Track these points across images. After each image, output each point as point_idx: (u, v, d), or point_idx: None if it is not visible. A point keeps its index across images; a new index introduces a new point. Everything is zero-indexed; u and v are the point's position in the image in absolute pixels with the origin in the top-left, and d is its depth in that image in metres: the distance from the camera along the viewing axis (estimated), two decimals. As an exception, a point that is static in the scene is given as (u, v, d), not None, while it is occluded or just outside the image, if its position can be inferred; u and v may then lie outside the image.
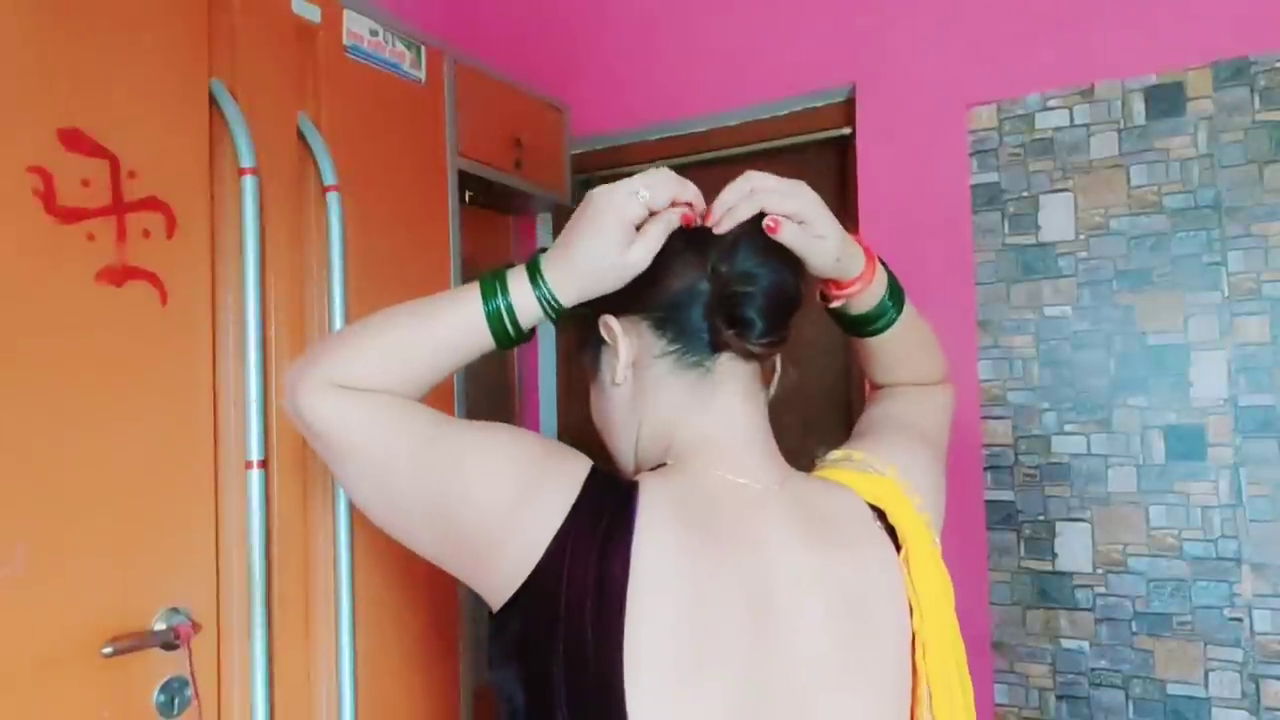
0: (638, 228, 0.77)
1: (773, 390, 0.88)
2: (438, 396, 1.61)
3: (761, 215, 0.79)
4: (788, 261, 0.81)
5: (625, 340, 0.82)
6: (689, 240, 0.80)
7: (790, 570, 0.76)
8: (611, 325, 0.83)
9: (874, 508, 0.84)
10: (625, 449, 0.86)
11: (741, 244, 0.79)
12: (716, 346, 0.80)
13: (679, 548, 0.72)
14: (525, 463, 0.74)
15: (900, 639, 0.80)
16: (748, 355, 0.81)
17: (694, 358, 0.81)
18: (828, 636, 0.75)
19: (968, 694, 0.82)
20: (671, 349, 0.81)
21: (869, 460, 0.88)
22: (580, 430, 2.36)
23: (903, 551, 0.81)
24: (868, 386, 1.09)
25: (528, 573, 0.70)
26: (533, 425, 2.41)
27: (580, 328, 0.88)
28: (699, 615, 0.70)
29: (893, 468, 0.87)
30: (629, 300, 0.81)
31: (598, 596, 0.68)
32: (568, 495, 0.72)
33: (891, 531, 0.83)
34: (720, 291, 0.79)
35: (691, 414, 0.81)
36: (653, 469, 0.81)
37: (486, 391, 2.23)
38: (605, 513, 0.72)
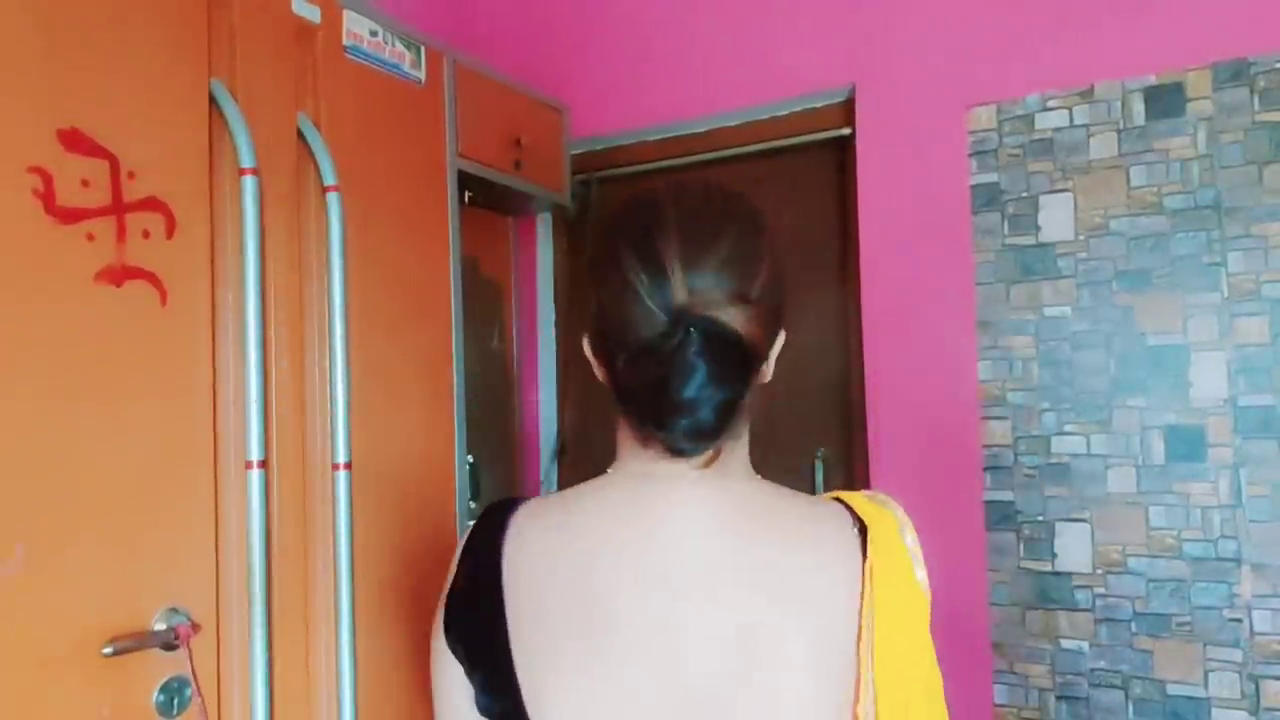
0: None
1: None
2: (438, 396, 1.62)
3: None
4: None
5: (597, 368, 0.85)
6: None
7: (694, 554, 0.76)
8: (586, 351, 0.85)
9: (857, 519, 0.82)
10: None
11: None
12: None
13: (542, 546, 0.78)
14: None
15: (847, 635, 0.78)
16: None
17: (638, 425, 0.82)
18: (728, 619, 0.75)
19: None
20: (621, 410, 0.82)
21: (885, 499, 0.87)
22: (580, 430, 2.37)
23: (868, 563, 0.79)
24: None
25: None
26: (532, 425, 2.41)
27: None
28: (566, 598, 0.75)
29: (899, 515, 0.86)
30: (594, 337, 0.83)
31: (479, 607, 0.78)
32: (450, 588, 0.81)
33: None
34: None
35: (636, 442, 0.81)
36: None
37: (486, 392, 2.23)
38: (482, 545, 0.80)
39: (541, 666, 0.74)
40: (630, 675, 0.73)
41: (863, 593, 0.79)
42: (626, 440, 0.81)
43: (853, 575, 0.79)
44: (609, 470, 0.82)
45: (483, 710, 0.77)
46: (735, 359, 0.73)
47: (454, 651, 0.79)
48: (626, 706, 0.73)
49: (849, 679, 0.77)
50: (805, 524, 0.81)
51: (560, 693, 0.74)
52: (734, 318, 0.73)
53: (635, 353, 0.74)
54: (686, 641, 0.74)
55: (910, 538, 0.84)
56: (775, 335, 0.80)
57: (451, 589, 0.80)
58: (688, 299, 0.73)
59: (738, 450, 0.81)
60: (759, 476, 0.84)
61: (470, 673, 0.78)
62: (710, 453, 0.76)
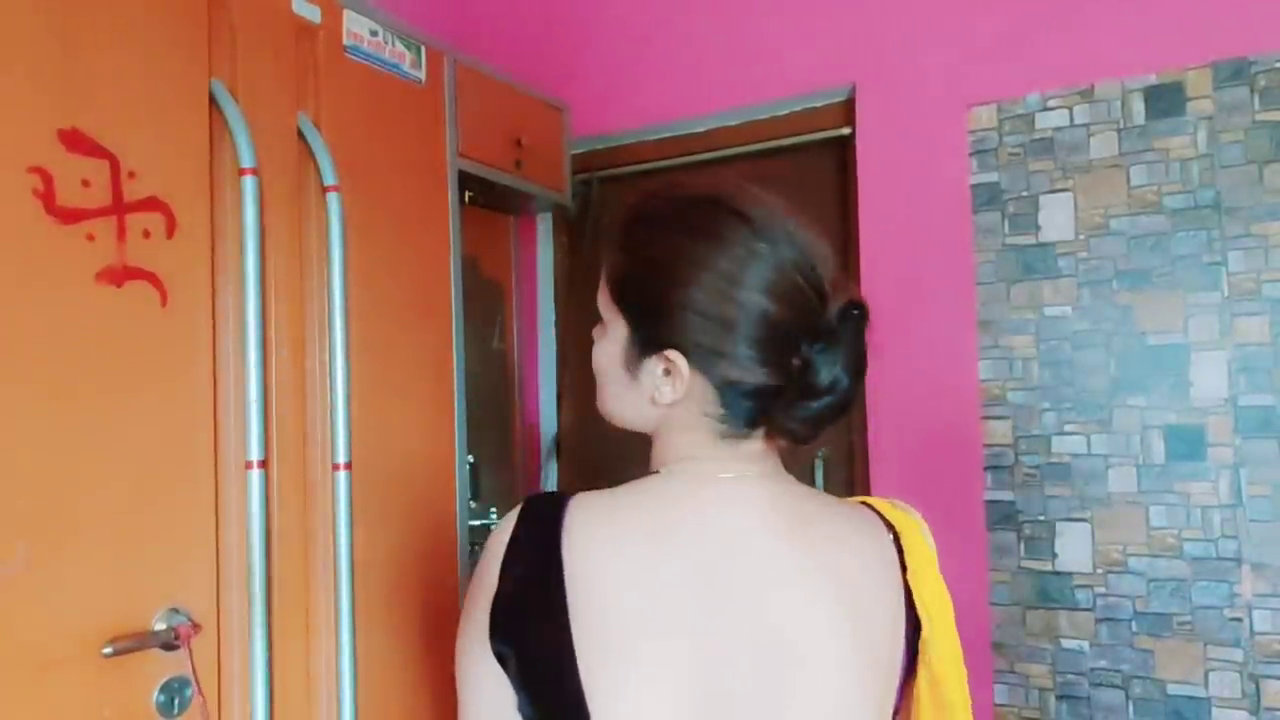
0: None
1: None
2: (438, 397, 1.62)
3: (860, 306, 0.78)
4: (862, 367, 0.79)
5: (680, 384, 0.78)
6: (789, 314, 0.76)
7: (756, 555, 0.76)
8: (679, 365, 0.77)
9: (889, 525, 0.85)
10: (615, 414, 0.86)
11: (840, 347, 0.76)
12: (758, 424, 0.79)
13: (609, 548, 0.75)
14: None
15: (889, 639, 0.80)
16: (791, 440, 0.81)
17: (731, 429, 0.79)
18: (801, 619, 0.76)
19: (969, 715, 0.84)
20: (720, 415, 0.78)
21: (907, 506, 0.90)
22: (579, 431, 2.37)
23: (909, 570, 0.82)
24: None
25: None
26: (532, 425, 2.41)
27: (638, 327, 0.81)
28: (636, 597, 0.74)
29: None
30: (704, 351, 0.76)
31: (542, 606, 0.74)
32: (491, 584, 0.76)
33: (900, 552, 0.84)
34: (799, 395, 0.76)
35: (700, 448, 0.80)
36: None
37: (487, 392, 2.23)
38: (533, 544, 0.76)
39: (609, 670, 0.71)
40: (697, 676, 0.72)
41: (906, 599, 0.81)
42: (687, 443, 0.79)
43: (895, 580, 0.81)
44: (661, 471, 0.80)
45: (527, 718, 0.74)
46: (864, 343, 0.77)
47: (500, 658, 0.74)
48: (690, 706, 0.72)
49: (891, 683, 0.80)
50: (853, 527, 0.83)
51: (628, 695, 0.71)
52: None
53: (777, 337, 0.74)
54: (745, 646, 0.74)
55: (931, 543, 0.86)
56: None
57: (500, 591, 0.75)
58: (832, 279, 0.77)
59: (778, 449, 0.83)
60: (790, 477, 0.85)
61: (520, 681, 0.73)
62: (775, 452, 0.80)
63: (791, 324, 0.75)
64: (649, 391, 0.79)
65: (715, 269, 0.75)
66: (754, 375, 0.74)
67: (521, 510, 0.78)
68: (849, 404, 0.76)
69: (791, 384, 0.74)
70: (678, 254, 0.77)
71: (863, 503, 0.87)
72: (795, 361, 0.74)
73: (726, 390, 0.76)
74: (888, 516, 0.85)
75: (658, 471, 0.81)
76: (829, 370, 0.74)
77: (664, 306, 0.77)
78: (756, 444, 0.79)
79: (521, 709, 0.74)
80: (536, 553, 0.75)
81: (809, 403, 0.75)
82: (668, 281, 0.76)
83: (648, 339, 0.78)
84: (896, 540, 0.83)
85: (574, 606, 0.72)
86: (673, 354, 0.76)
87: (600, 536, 0.75)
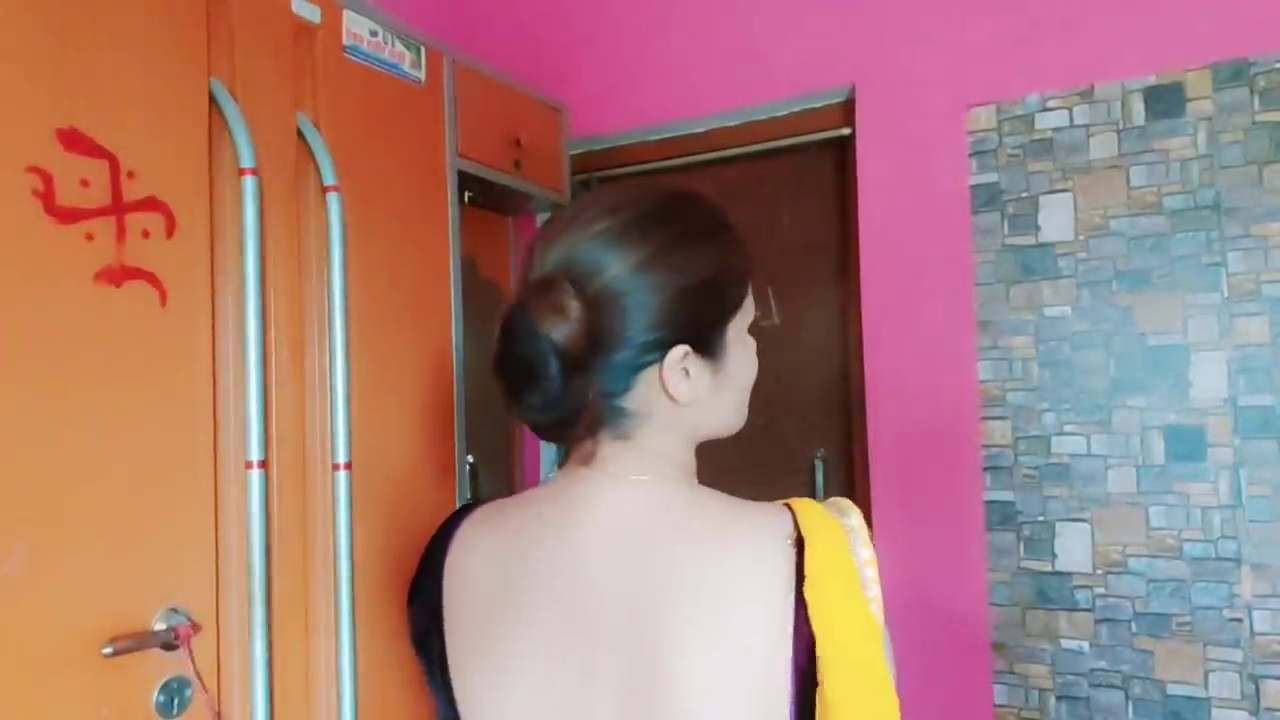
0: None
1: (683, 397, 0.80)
2: (438, 396, 1.62)
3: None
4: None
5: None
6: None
7: (598, 557, 0.76)
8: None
9: (797, 529, 0.75)
10: None
11: None
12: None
13: (480, 547, 0.82)
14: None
15: (764, 654, 0.71)
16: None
17: None
18: (657, 630, 0.72)
19: None
20: None
21: (846, 508, 0.80)
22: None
23: (807, 579, 0.72)
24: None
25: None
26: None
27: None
28: (491, 597, 0.79)
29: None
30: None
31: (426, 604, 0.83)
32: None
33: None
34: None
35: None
36: None
37: (487, 392, 2.22)
38: (433, 549, 0.86)
39: (465, 668, 0.78)
40: (535, 680, 0.74)
41: (801, 614, 0.71)
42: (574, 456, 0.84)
43: (778, 592, 0.72)
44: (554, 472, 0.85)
45: (441, 712, 0.82)
46: (545, 363, 0.71)
47: (413, 646, 0.85)
48: (534, 705, 0.74)
49: (774, 701, 0.71)
50: (725, 533, 0.75)
51: (480, 695, 0.77)
52: (558, 317, 0.71)
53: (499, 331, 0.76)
54: (588, 648, 0.73)
55: (865, 552, 0.76)
56: (622, 345, 0.74)
57: (410, 589, 0.86)
58: (526, 289, 0.74)
59: (656, 451, 0.78)
60: (692, 481, 0.81)
61: (426, 675, 0.83)
62: (585, 448, 0.78)
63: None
64: None
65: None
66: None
67: (446, 518, 0.87)
68: (544, 401, 0.73)
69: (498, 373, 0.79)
70: None
71: (786, 504, 0.78)
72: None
73: None
74: (803, 521, 0.75)
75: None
76: (500, 365, 0.76)
77: None
78: (584, 443, 0.80)
79: (439, 706, 0.82)
80: (433, 555, 0.84)
81: (508, 396, 0.77)
82: None
83: None
84: (799, 546, 0.73)
85: (446, 606, 0.80)
86: None
87: (472, 539, 0.82)
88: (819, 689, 0.70)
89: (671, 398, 0.77)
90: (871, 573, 0.75)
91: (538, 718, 0.74)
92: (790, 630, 0.71)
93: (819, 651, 0.71)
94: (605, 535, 0.75)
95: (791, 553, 0.73)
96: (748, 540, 0.75)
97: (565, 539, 0.77)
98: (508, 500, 0.85)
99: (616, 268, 0.74)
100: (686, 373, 0.78)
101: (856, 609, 0.73)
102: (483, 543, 0.82)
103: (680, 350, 0.77)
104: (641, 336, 0.75)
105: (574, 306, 0.72)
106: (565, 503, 0.79)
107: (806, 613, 0.71)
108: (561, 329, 0.71)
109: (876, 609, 0.74)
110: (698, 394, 0.79)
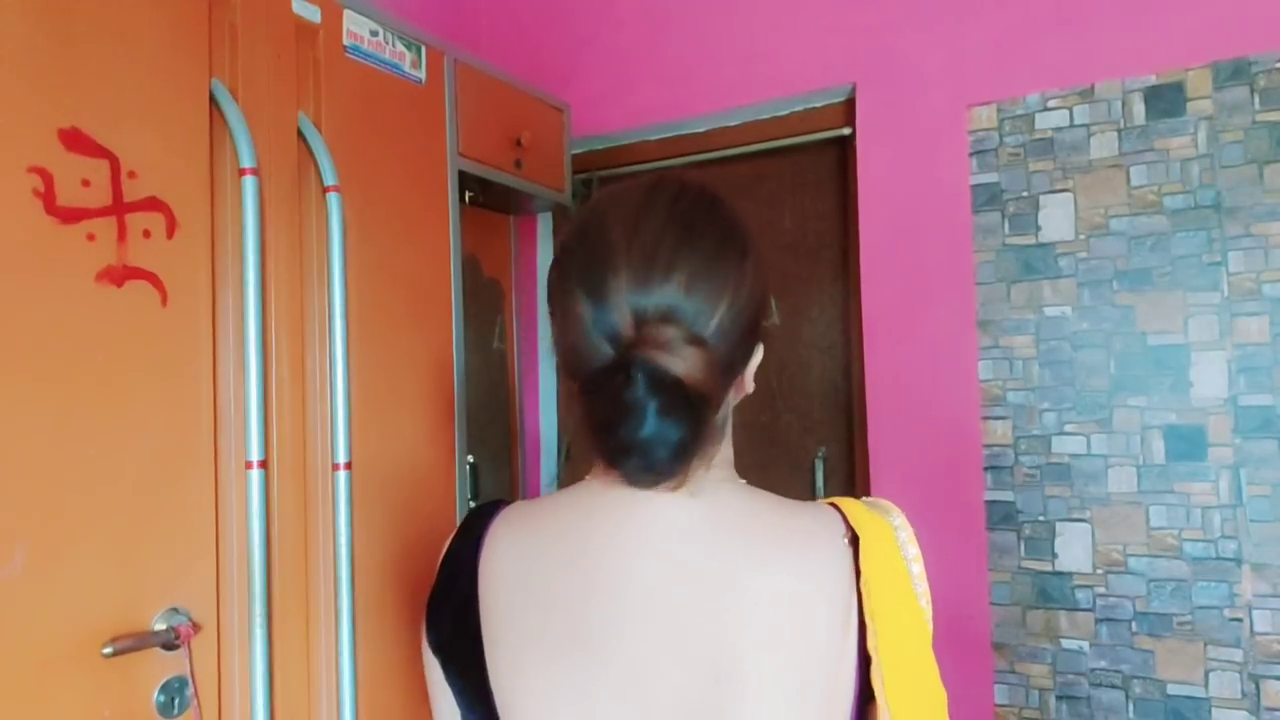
0: None
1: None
2: (438, 397, 1.62)
3: None
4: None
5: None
6: None
7: (658, 566, 0.73)
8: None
9: (850, 528, 0.77)
10: None
11: None
12: None
13: (516, 552, 0.77)
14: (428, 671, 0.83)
15: (830, 654, 0.73)
16: None
17: None
18: (719, 633, 0.72)
19: None
20: None
21: (888, 507, 0.82)
22: (576, 434, 2.36)
23: (863, 577, 0.75)
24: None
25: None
26: (531, 429, 2.41)
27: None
28: (540, 605, 0.74)
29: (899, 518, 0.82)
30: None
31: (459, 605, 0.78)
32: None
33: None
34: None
35: None
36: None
37: (487, 392, 2.23)
38: (461, 552, 0.81)
39: (510, 675, 0.74)
40: (591, 687, 0.71)
41: (859, 610, 0.74)
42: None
43: (840, 591, 0.74)
44: (587, 476, 0.80)
45: (462, 712, 0.78)
46: (683, 403, 0.67)
47: (435, 656, 0.79)
48: (592, 708, 0.71)
49: (837, 700, 0.73)
50: (783, 534, 0.76)
51: (526, 702, 0.73)
52: (683, 361, 0.67)
53: (586, 385, 0.70)
54: (647, 655, 0.71)
55: (912, 549, 0.78)
56: (737, 367, 0.75)
57: (431, 593, 0.81)
58: (634, 334, 0.68)
59: (715, 461, 0.76)
60: (741, 482, 0.80)
61: (449, 679, 0.78)
62: (675, 480, 0.72)
63: (589, 346, 0.73)
64: None
65: (555, 283, 0.78)
66: (578, 396, 0.75)
67: (464, 519, 0.83)
68: (669, 458, 0.68)
69: (593, 428, 0.72)
70: (553, 270, 0.81)
71: (831, 503, 0.80)
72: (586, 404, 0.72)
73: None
74: (853, 520, 0.77)
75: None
76: (609, 429, 0.69)
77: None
78: None
79: (459, 704, 0.78)
80: (461, 558, 0.79)
81: (616, 457, 0.71)
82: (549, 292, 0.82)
83: None
84: (855, 545, 0.75)
85: (484, 612, 0.76)
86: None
87: (510, 543, 0.78)
88: (878, 684, 0.72)
89: (742, 393, 0.79)
90: (918, 570, 0.78)
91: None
92: (853, 628, 0.73)
93: (879, 648, 0.72)
94: (666, 536, 0.74)
95: (849, 552, 0.75)
96: (808, 540, 0.75)
97: (622, 541, 0.74)
98: (544, 501, 0.81)
99: (721, 302, 0.72)
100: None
101: (911, 606, 0.75)
102: (523, 543, 0.77)
103: (760, 348, 0.79)
104: (745, 354, 0.76)
105: (689, 351, 0.68)
106: (621, 504, 0.75)
107: (865, 610, 0.73)
108: (690, 370, 0.68)
109: (925, 604, 0.77)
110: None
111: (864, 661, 0.73)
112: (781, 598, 0.72)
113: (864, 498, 0.83)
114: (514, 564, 0.77)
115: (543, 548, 0.76)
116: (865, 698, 0.73)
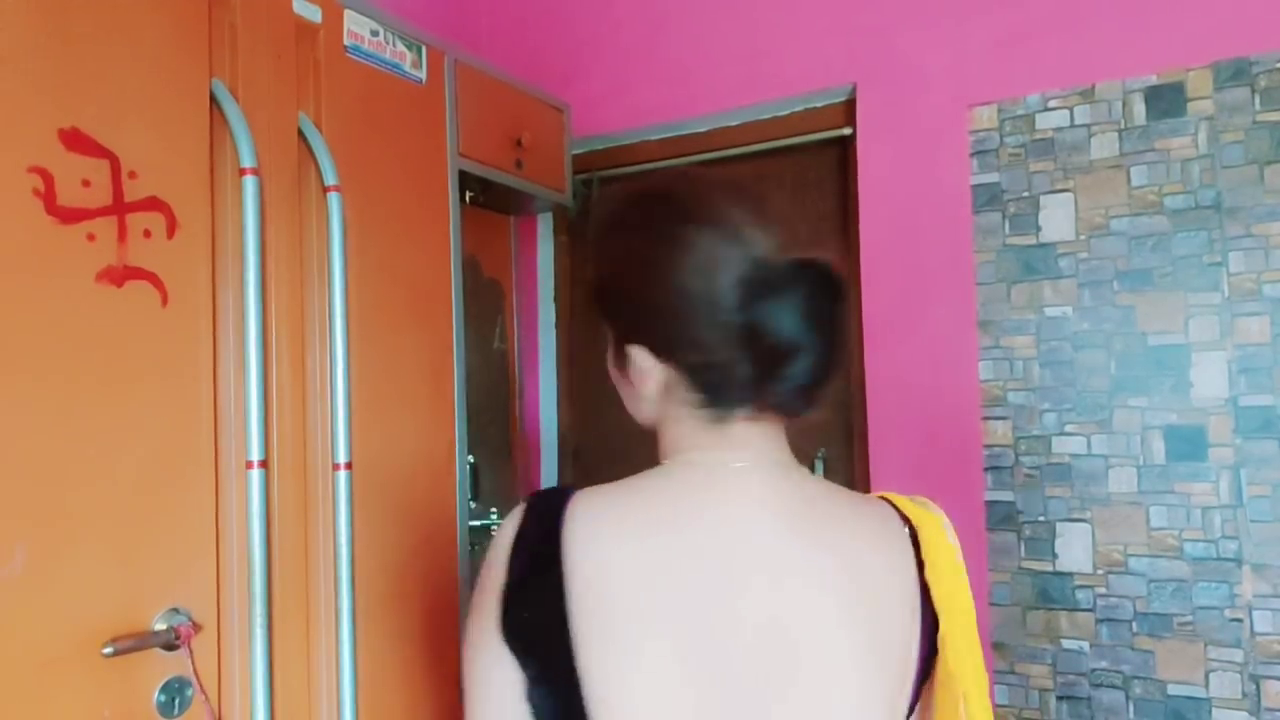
0: None
1: None
2: (438, 397, 1.62)
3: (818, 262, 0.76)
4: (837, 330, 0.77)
5: (653, 377, 0.80)
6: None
7: (759, 547, 0.76)
8: (639, 362, 0.80)
9: (905, 520, 0.84)
10: (634, 413, 0.87)
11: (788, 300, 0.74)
12: (737, 404, 0.79)
13: (606, 539, 0.75)
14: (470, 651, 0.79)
15: (903, 635, 0.80)
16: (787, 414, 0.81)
17: (714, 414, 0.79)
18: (807, 611, 0.76)
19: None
20: (699, 401, 0.79)
21: (928, 502, 0.88)
22: (581, 434, 2.37)
23: (927, 565, 0.81)
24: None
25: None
26: (532, 428, 2.41)
27: (613, 342, 0.85)
28: (633, 587, 0.74)
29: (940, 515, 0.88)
30: (663, 341, 0.79)
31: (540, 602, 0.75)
32: (498, 582, 0.76)
33: (917, 547, 0.83)
34: (765, 362, 0.75)
35: (700, 435, 0.81)
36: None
37: (487, 392, 2.23)
38: (536, 537, 0.76)
39: (605, 659, 0.72)
40: (693, 666, 0.72)
41: (922, 595, 0.80)
42: (686, 432, 0.80)
43: (909, 577, 0.80)
44: (662, 464, 0.81)
45: (535, 706, 0.75)
46: (840, 302, 0.74)
47: (510, 645, 0.75)
48: (687, 694, 0.72)
49: (905, 681, 0.79)
50: (864, 521, 0.82)
51: (626, 685, 0.72)
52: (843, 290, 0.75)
53: (735, 308, 0.74)
54: (747, 634, 0.73)
55: (956, 541, 0.84)
56: None
57: (507, 583, 0.75)
58: (780, 243, 0.76)
59: (786, 441, 0.83)
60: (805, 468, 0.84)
61: (527, 670, 0.74)
62: (781, 428, 0.80)
63: (726, 294, 0.74)
64: (639, 389, 0.81)
65: (652, 260, 0.77)
66: (711, 354, 0.76)
67: (527, 505, 0.79)
68: (828, 364, 0.74)
69: (751, 352, 0.74)
70: (626, 253, 0.81)
71: (881, 498, 0.86)
72: (744, 329, 0.74)
73: (695, 375, 0.78)
74: (906, 512, 0.84)
75: (660, 464, 0.82)
76: (781, 330, 0.73)
77: (624, 306, 0.81)
78: (747, 427, 0.79)
79: (530, 698, 0.75)
80: (539, 545, 0.75)
81: (778, 367, 0.74)
82: (622, 281, 0.81)
83: (621, 339, 0.81)
84: (914, 535, 0.82)
85: (572, 597, 0.73)
86: (633, 349, 0.79)
87: (599, 528, 0.75)
88: (940, 662, 0.80)
89: None
90: (960, 559, 0.84)
91: (711, 708, 0.72)
92: (919, 610, 0.80)
93: (942, 629, 0.80)
94: (774, 515, 0.77)
95: (909, 539, 0.82)
96: (882, 527, 0.82)
97: (738, 527, 0.76)
98: (634, 486, 0.79)
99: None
100: None
101: (964, 590, 0.83)
102: (613, 530, 0.75)
103: None
104: None
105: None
106: (728, 485, 0.78)
107: (933, 596, 0.80)
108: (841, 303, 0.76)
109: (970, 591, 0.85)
110: None
111: (929, 642, 0.80)
112: (864, 581, 0.77)
113: (905, 494, 0.89)
114: (606, 551, 0.74)
115: (638, 533, 0.75)
116: (923, 677, 0.81)
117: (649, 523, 0.76)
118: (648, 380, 0.80)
